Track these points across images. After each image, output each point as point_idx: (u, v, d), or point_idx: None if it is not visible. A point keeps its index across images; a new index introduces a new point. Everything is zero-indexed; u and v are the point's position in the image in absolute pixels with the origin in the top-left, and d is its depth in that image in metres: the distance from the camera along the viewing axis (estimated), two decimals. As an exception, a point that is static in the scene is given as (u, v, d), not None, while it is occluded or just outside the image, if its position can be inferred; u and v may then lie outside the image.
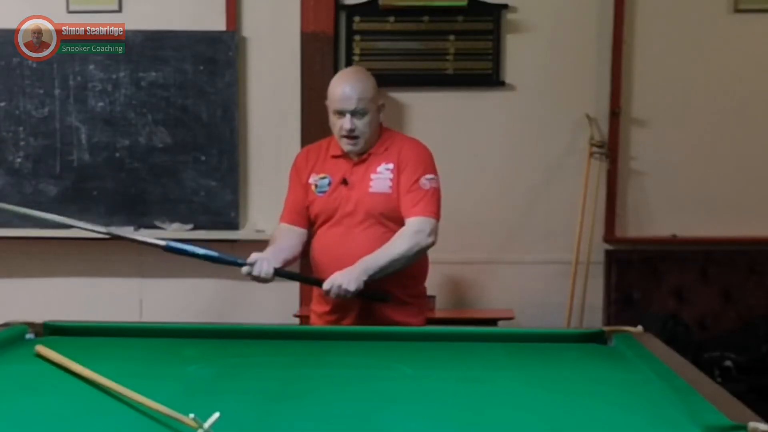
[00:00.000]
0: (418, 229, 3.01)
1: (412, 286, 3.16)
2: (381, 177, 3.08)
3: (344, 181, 3.10)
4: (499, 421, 1.86)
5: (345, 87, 3.06)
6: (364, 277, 2.93)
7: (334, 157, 3.15)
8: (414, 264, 3.09)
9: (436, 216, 3.06)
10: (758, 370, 4.23)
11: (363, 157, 3.11)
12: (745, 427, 1.65)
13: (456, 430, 1.81)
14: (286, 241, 3.15)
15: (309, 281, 3.25)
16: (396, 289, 3.08)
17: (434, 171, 3.12)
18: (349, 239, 3.05)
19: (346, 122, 3.04)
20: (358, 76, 3.15)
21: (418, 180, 3.05)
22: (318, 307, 3.21)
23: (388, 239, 3.02)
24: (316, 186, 3.14)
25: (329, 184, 3.12)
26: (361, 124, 3.05)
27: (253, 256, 3.01)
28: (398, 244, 3.00)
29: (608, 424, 1.84)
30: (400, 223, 3.06)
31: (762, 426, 1.64)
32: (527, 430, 1.82)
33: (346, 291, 2.91)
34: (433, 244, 3.06)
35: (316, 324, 3.19)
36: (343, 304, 3.07)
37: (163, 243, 3.06)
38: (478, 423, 1.85)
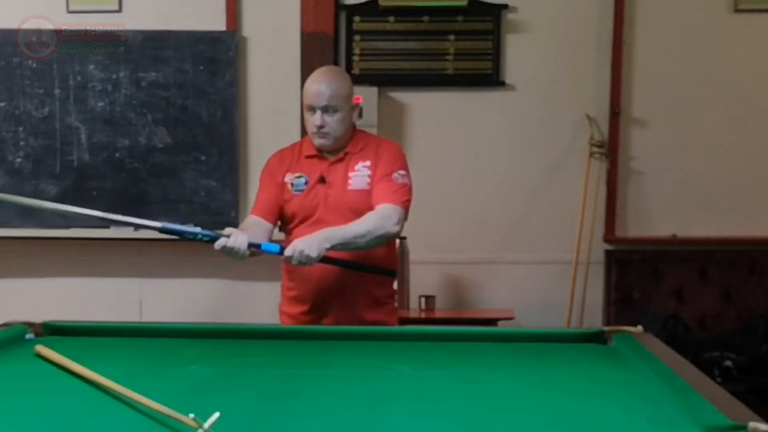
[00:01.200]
0: (387, 214, 2.99)
1: (387, 286, 3.19)
2: (359, 174, 3.09)
3: (322, 179, 3.10)
4: (498, 421, 1.86)
5: (319, 84, 3.08)
6: (327, 245, 2.88)
7: (309, 157, 3.16)
8: (385, 262, 3.11)
9: (406, 208, 3.07)
10: (758, 370, 4.23)
11: (339, 156, 3.12)
12: (745, 427, 1.65)
13: (456, 430, 1.80)
14: (256, 229, 3.09)
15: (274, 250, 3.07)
16: (374, 288, 3.11)
17: (407, 169, 3.14)
18: None
19: (316, 118, 3.06)
20: (334, 74, 3.18)
21: (391, 174, 3.07)
22: (292, 308, 3.17)
23: None
24: (292, 185, 3.13)
25: (306, 183, 3.12)
26: (331, 120, 3.06)
27: (228, 230, 2.96)
28: (364, 222, 2.97)
29: (608, 424, 1.84)
30: None
31: (762, 426, 1.63)
32: (527, 430, 1.82)
33: (308, 257, 2.85)
34: (398, 234, 3.07)
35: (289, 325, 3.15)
36: (322, 304, 3.07)
37: (159, 225, 2.98)
38: (477, 423, 1.84)
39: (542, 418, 1.87)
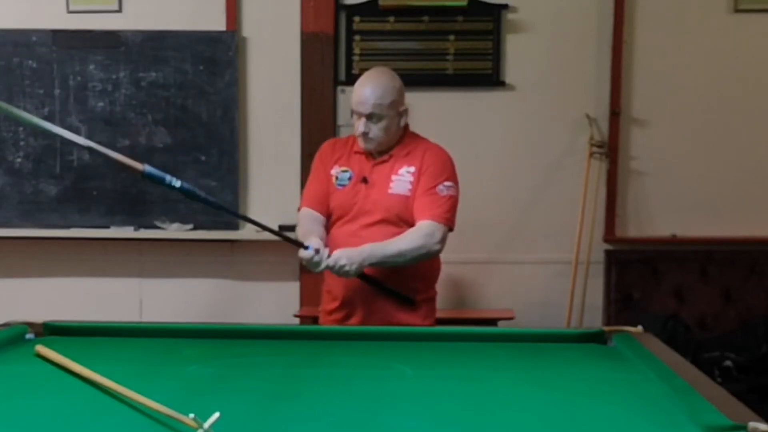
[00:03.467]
0: (430, 232, 3.01)
1: (423, 290, 3.18)
2: (402, 179, 3.09)
3: (364, 180, 3.10)
4: (499, 421, 1.86)
5: (364, 90, 3.07)
6: (367, 264, 2.94)
7: (357, 153, 3.16)
8: (427, 266, 3.13)
9: (450, 224, 3.07)
10: (758, 370, 4.23)
11: (384, 157, 3.13)
12: (745, 427, 1.65)
13: (456, 430, 1.81)
14: (312, 225, 3.08)
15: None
16: (408, 292, 3.10)
17: (455, 179, 3.12)
18: (362, 238, 3.03)
19: (360, 125, 3.06)
20: (380, 80, 3.11)
21: (436, 186, 3.05)
22: (326, 305, 3.20)
23: None
24: (336, 178, 3.14)
25: (349, 178, 3.12)
26: (375, 128, 3.06)
27: (315, 242, 2.91)
28: (407, 241, 3.00)
29: (608, 424, 1.84)
30: (412, 225, 3.06)
31: (762, 426, 1.64)
32: (527, 430, 1.82)
33: (346, 273, 2.92)
34: (439, 252, 3.08)
35: (325, 323, 3.19)
36: (352, 301, 3.08)
37: (140, 167, 2.85)
38: (478, 423, 1.85)
39: (542, 418, 1.87)
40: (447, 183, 3.07)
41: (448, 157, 3.15)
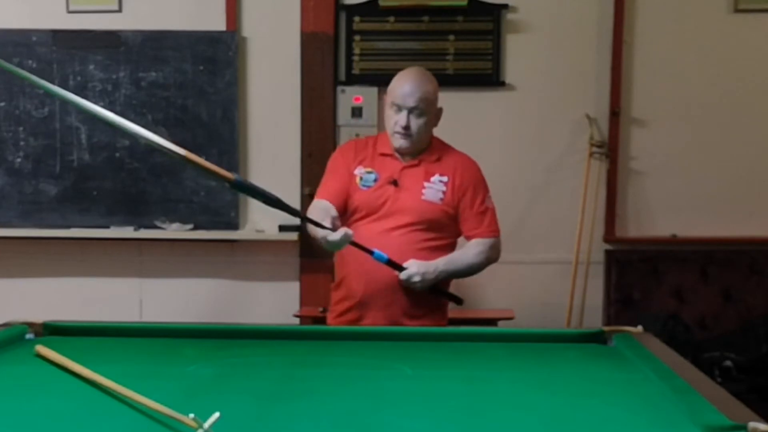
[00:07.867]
0: (492, 245, 3.15)
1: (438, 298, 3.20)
2: (434, 187, 3.11)
3: (394, 182, 3.10)
4: (499, 421, 1.86)
5: (409, 83, 3.08)
6: (441, 277, 3.04)
7: (383, 155, 3.15)
8: None
9: (499, 235, 3.19)
10: (758, 370, 4.23)
11: (414, 161, 3.13)
12: (745, 427, 1.65)
13: (456, 430, 1.81)
14: (323, 214, 3.00)
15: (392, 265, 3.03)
16: (423, 295, 3.11)
17: (488, 188, 3.20)
18: (390, 239, 3.04)
19: (401, 118, 3.06)
20: (424, 76, 3.15)
21: (483, 201, 3.15)
22: (338, 306, 3.17)
23: (426, 246, 3.07)
24: (361, 178, 3.12)
25: (375, 180, 3.11)
26: (416, 123, 3.07)
27: (342, 230, 2.87)
28: (476, 254, 3.13)
29: (608, 425, 1.84)
30: (440, 232, 3.11)
31: (762, 426, 1.64)
32: (527, 430, 1.82)
33: (419, 284, 2.99)
34: (497, 260, 3.20)
35: (335, 325, 3.16)
36: (369, 302, 3.07)
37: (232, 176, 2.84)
38: (478, 423, 1.85)
39: (542, 418, 1.87)
40: (489, 194, 3.17)
41: (478, 167, 3.21)
